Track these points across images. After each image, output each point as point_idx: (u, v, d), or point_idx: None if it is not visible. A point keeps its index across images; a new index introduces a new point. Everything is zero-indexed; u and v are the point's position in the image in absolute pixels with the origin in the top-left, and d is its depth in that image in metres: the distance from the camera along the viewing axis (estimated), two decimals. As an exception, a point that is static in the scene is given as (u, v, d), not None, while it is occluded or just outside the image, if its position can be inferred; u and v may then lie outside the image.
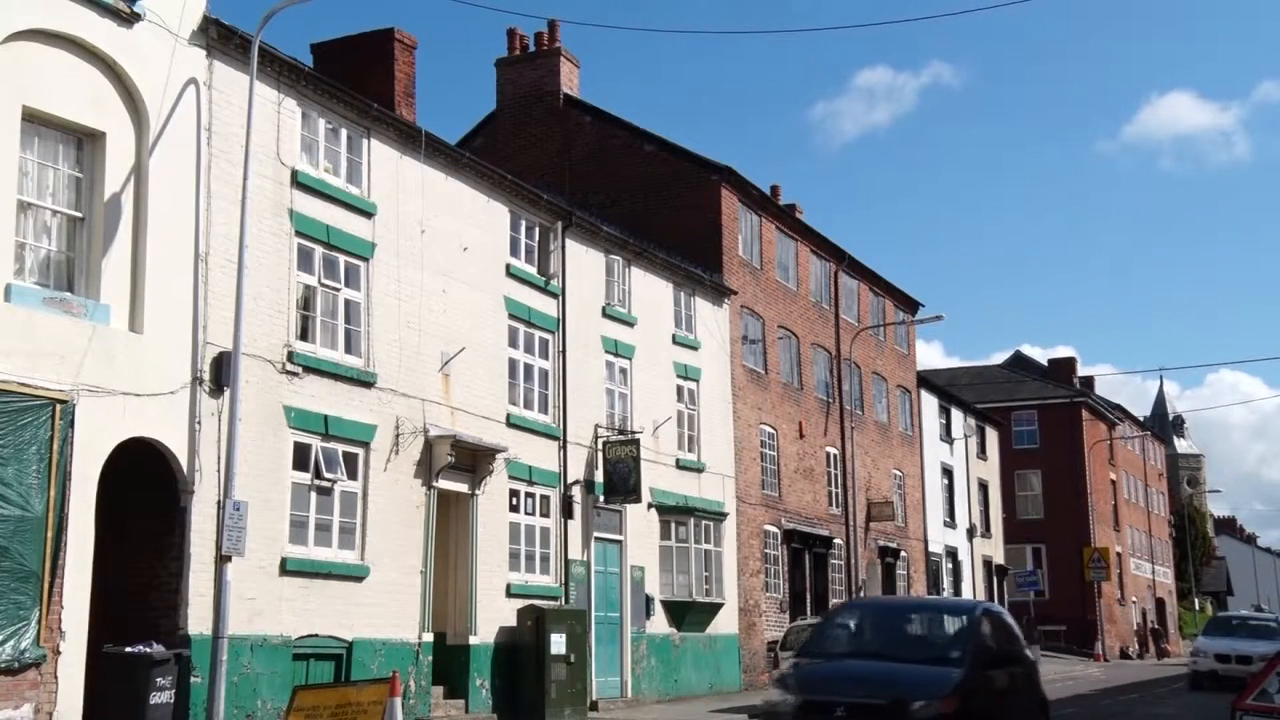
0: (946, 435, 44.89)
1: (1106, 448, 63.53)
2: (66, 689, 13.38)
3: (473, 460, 20.00)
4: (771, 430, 31.25)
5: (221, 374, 15.53)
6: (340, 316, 18.01)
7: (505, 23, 39.49)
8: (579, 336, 23.55)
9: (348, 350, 18.05)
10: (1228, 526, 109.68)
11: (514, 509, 21.31)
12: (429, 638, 18.84)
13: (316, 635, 16.81)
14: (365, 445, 17.94)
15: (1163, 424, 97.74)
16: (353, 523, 17.71)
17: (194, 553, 15.06)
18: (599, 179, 30.75)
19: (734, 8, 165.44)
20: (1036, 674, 14.24)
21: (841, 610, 14.51)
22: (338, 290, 17.97)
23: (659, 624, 25.39)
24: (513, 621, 20.56)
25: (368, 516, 17.85)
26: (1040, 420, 60.65)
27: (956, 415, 46.12)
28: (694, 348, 27.66)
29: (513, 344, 21.73)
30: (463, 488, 19.91)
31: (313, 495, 17.06)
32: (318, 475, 17.10)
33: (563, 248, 23.28)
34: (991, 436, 50.53)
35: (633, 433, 24.48)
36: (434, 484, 19.15)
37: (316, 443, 17.14)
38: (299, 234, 17.28)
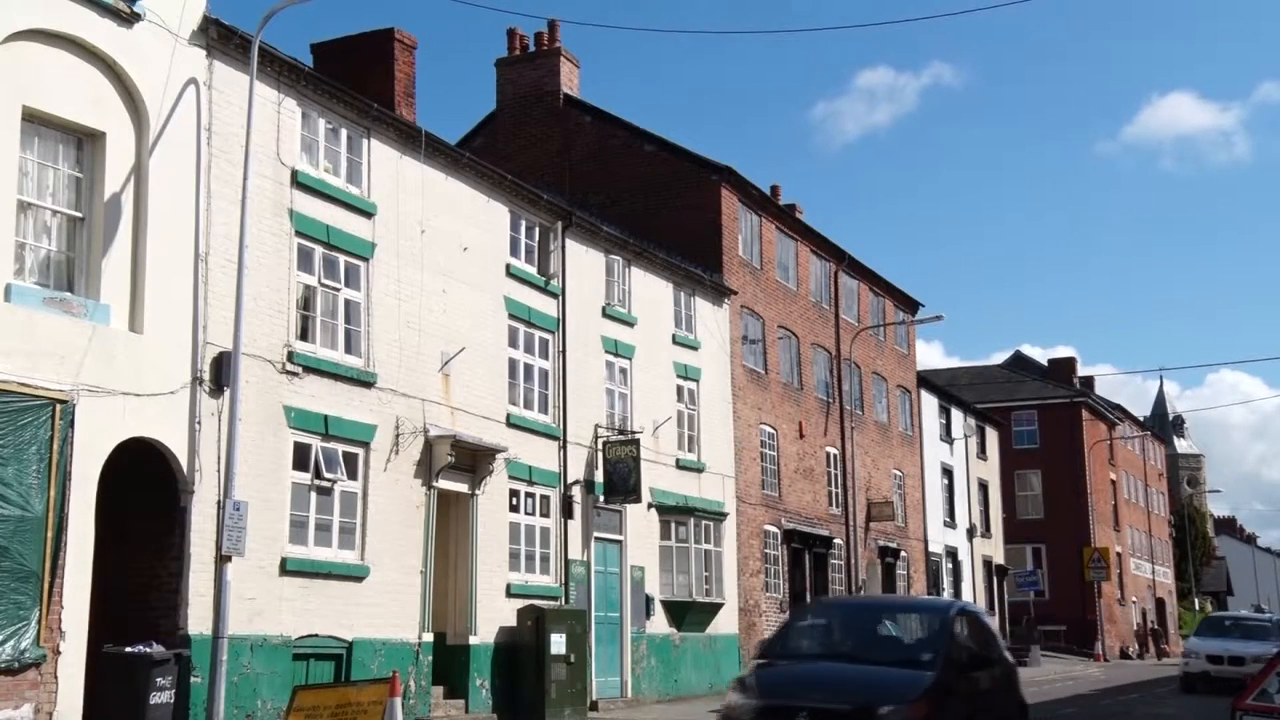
0: (946, 435, 44.89)
1: (1106, 448, 63.54)
2: (66, 689, 13.38)
3: (473, 460, 20.00)
4: (771, 430, 31.26)
5: (221, 374, 15.53)
6: (340, 316, 18.02)
7: (505, 23, 39.54)
8: (579, 336, 23.56)
9: (348, 350, 18.05)
10: (1228, 526, 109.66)
11: (514, 509, 21.31)
12: (429, 638, 18.84)
13: (316, 635, 16.81)
14: (365, 445, 17.94)
15: (1163, 424, 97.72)
16: (353, 523, 17.71)
17: (194, 553, 15.06)
18: (599, 179, 30.75)
19: (734, 8, 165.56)
20: (1015, 677, 13.62)
21: (809, 610, 13.91)
22: (338, 290, 17.97)
23: (659, 624, 25.39)
24: (513, 621, 20.56)
25: (368, 516, 17.85)
26: (1040, 420, 60.65)
27: (956, 415, 46.13)
28: (694, 348, 27.67)
29: (513, 344, 21.73)
30: (463, 488, 19.91)
31: (313, 495, 17.06)
32: (318, 475, 17.10)
33: (563, 248, 23.28)
34: (991, 436, 50.53)
35: (633, 433, 24.48)
36: (434, 484, 19.15)
37: (316, 443, 17.14)
38: (299, 234, 17.28)
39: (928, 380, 44.91)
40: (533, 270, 22.51)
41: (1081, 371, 67.81)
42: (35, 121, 13.93)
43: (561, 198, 25.21)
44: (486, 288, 21.10)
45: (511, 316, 21.68)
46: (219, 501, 15.21)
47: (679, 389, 27.07)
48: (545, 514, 22.24)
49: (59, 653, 13.33)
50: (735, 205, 30.69)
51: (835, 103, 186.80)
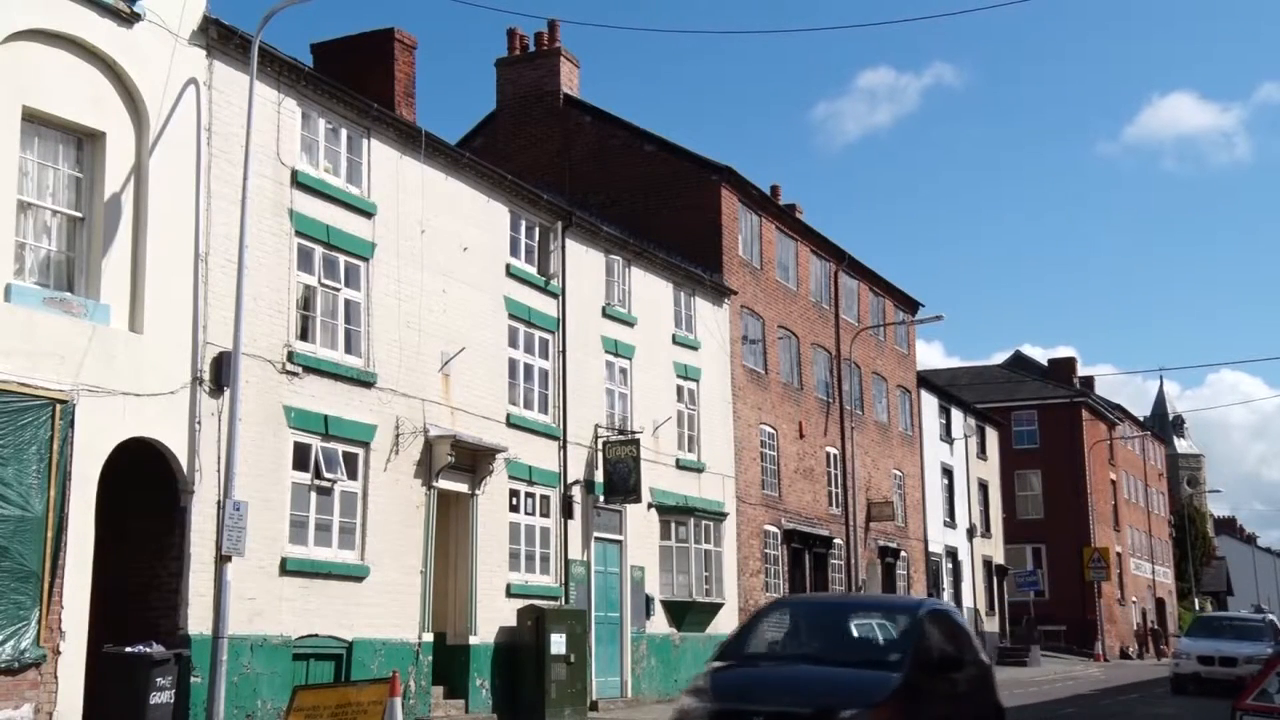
0: (946, 435, 44.90)
1: (1106, 448, 63.54)
2: (66, 689, 13.38)
3: (473, 460, 20.00)
4: (771, 430, 31.26)
5: (221, 374, 15.54)
6: (340, 316, 18.02)
7: (505, 23, 39.56)
8: (579, 336, 23.56)
9: (348, 350, 18.05)
10: (1228, 526, 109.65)
11: (514, 509, 21.32)
12: (429, 638, 18.84)
13: (316, 635, 16.81)
14: (365, 445, 17.94)
15: (1163, 424, 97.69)
16: (353, 523, 17.71)
17: (194, 553, 15.06)
18: (599, 179, 30.76)
19: (734, 8, 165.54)
20: (991, 679, 12.92)
21: (771, 609, 12.97)
22: (338, 290, 17.97)
23: (659, 624, 25.39)
24: (513, 621, 20.56)
25: (368, 516, 17.85)
26: (1040, 420, 60.65)
27: (956, 415, 46.14)
28: (694, 348, 27.67)
29: (513, 344, 21.73)
30: (463, 488, 19.91)
31: (313, 495, 17.06)
32: (318, 475, 17.10)
33: (563, 248, 23.29)
34: (991, 436, 50.54)
35: (633, 433, 24.49)
36: (434, 484, 19.15)
37: (316, 443, 17.14)
38: (299, 234, 17.28)
39: (928, 380, 44.92)
40: (533, 270, 22.52)
41: (1081, 371, 67.84)
42: (35, 121, 13.93)
43: (561, 198, 25.21)
44: (486, 288, 21.10)
45: (511, 316, 21.69)
46: (219, 501, 15.21)
47: (679, 389, 27.08)
48: (545, 514, 22.24)
49: (59, 653, 13.34)
50: (735, 205, 30.70)
51: (836, 103, 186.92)
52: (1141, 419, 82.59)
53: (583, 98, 32.12)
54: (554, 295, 22.93)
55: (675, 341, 27.05)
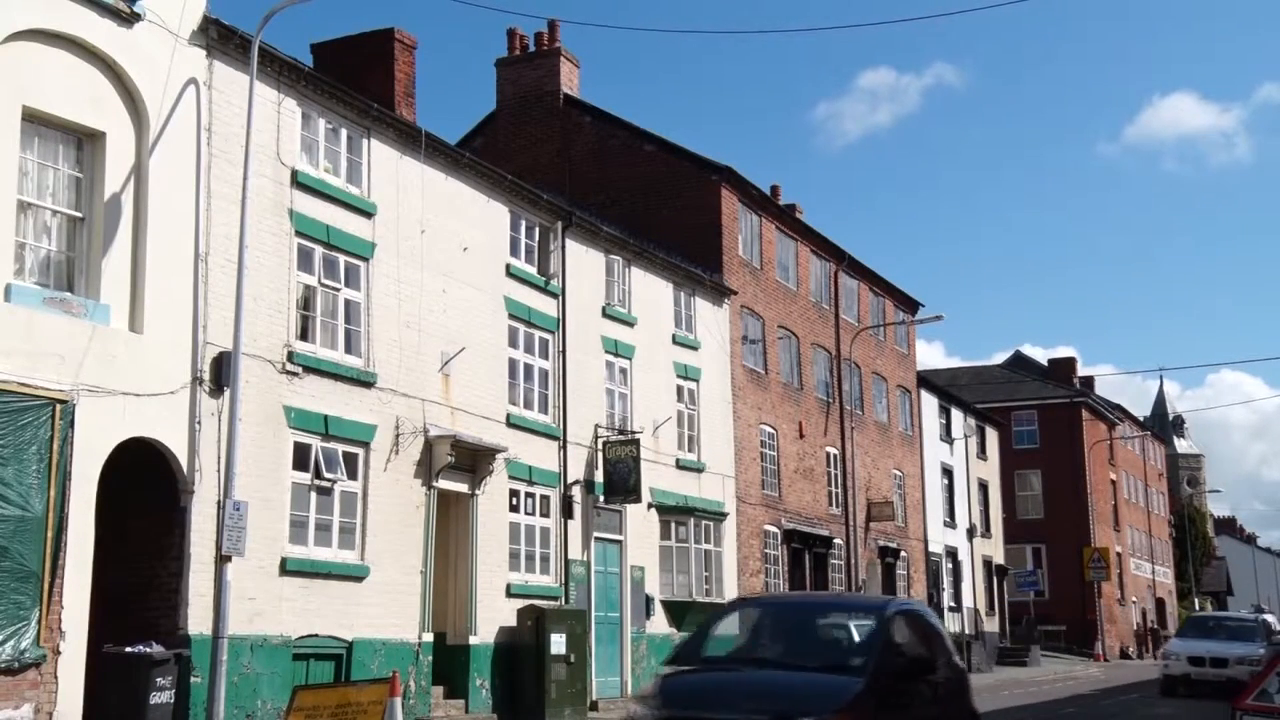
0: (946, 435, 44.89)
1: (1106, 448, 63.54)
2: (66, 689, 13.38)
3: (473, 460, 20.00)
4: (771, 430, 31.26)
5: (221, 374, 15.53)
6: (340, 316, 18.02)
7: (505, 23, 39.57)
8: (579, 336, 23.56)
9: (348, 350, 18.05)
10: (1228, 526, 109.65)
11: (514, 509, 21.32)
12: (429, 638, 18.84)
13: (316, 635, 16.81)
14: (365, 445, 17.94)
15: (1163, 424, 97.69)
16: (353, 523, 17.71)
17: (194, 553, 15.06)
18: (599, 179, 30.77)
19: (735, 8, 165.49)
20: (966, 683, 12.26)
21: (731, 609, 12.29)
22: (338, 290, 17.97)
23: (659, 624, 25.39)
24: (513, 621, 20.56)
25: (368, 516, 17.85)
26: (1040, 420, 60.65)
27: (956, 415, 46.13)
28: (694, 348, 27.67)
29: (513, 344, 21.73)
30: (463, 488, 19.91)
31: (313, 495, 17.06)
32: (318, 475, 17.10)
33: (563, 248, 23.29)
34: (991, 436, 50.54)
35: (633, 433, 24.49)
36: (434, 484, 19.15)
37: (316, 443, 17.14)
38: (299, 234, 17.28)
39: (928, 380, 44.92)
40: (533, 270, 22.52)
41: (1082, 371, 67.86)
42: (35, 121, 13.93)
43: (561, 198, 25.22)
44: (486, 288, 21.10)
45: (511, 316, 21.69)
46: (219, 501, 15.20)
47: (679, 389, 27.08)
48: (545, 514, 22.24)
49: (59, 653, 13.33)
50: (735, 205, 30.70)
51: (837, 103, 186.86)
52: (1141, 419, 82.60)
53: (583, 98, 32.13)
54: (554, 295, 22.93)
55: (675, 341, 27.05)
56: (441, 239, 20.04)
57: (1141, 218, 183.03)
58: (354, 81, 19.14)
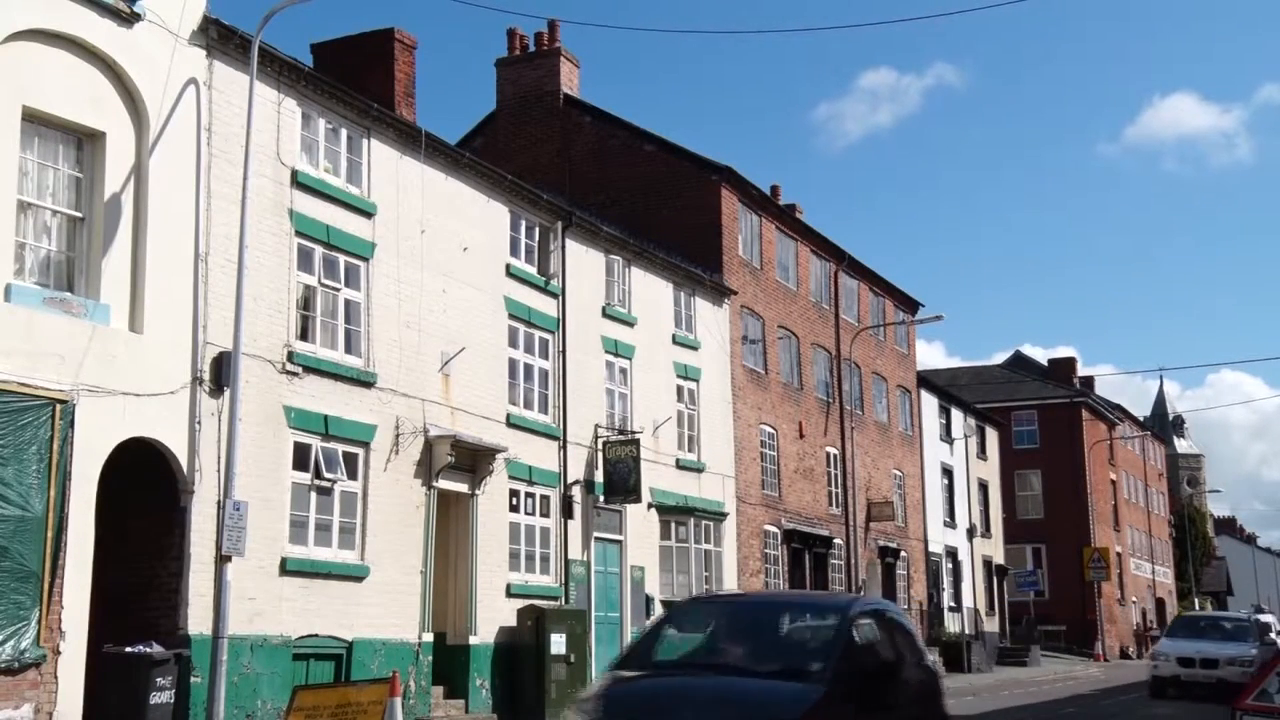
0: (946, 435, 44.90)
1: (1106, 448, 63.55)
2: (66, 689, 13.38)
3: (473, 460, 20.00)
4: (771, 430, 31.27)
5: (221, 374, 15.54)
6: (340, 316, 18.02)
7: (505, 23, 39.59)
8: (579, 336, 23.56)
9: (348, 350, 18.05)
10: (1228, 526, 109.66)
11: (514, 509, 21.32)
12: (429, 638, 18.85)
13: (316, 635, 16.81)
14: (365, 445, 17.95)
15: (1163, 424, 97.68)
16: (353, 523, 17.71)
17: (194, 553, 15.06)
18: (599, 179, 30.77)
19: (735, 8, 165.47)
20: (938, 688, 11.53)
21: (686, 608, 11.47)
22: (338, 290, 17.98)
23: (659, 624, 25.34)
24: (513, 621, 20.56)
25: (368, 516, 17.85)
26: (1040, 420, 60.64)
27: (956, 415, 46.14)
28: (694, 348, 27.67)
29: (513, 344, 21.74)
30: (463, 488, 19.91)
31: (313, 495, 17.06)
32: (318, 475, 17.11)
33: (563, 248, 23.29)
34: (991, 436, 50.55)
35: (633, 433, 24.49)
36: (434, 484, 19.15)
37: (316, 443, 17.14)
38: (299, 234, 17.28)
39: (928, 380, 44.93)
40: (533, 270, 22.52)
41: (1082, 371, 67.87)
42: (35, 121, 13.93)
43: (561, 198, 25.22)
44: (486, 288, 21.11)
45: (511, 316, 21.69)
46: (219, 501, 15.20)
47: (679, 389, 27.08)
48: (545, 514, 22.24)
49: (59, 653, 13.33)
50: (735, 205, 30.71)
51: (838, 103, 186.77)
52: (1141, 419, 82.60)
53: (583, 98, 32.14)
54: (554, 295, 22.93)
55: (675, 341, 27.06)
56: (441, 239, 20.05)
57: (1141, 218, 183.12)
58: (354, 81, 19.15)
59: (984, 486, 48.64)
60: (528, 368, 22.18)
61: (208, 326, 15.60)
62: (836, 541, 34.25)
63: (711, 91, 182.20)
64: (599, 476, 23.64)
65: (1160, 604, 72.63)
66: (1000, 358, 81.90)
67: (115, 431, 14.27)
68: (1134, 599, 66.77)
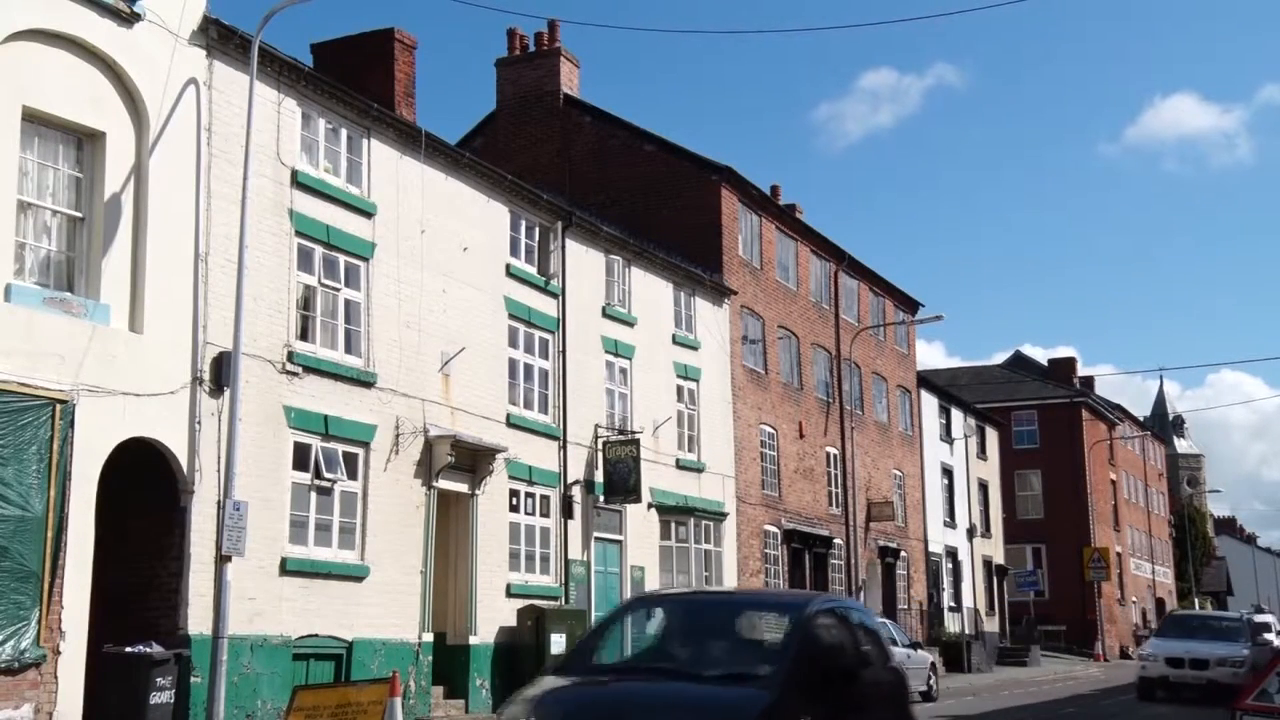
0: (946, 435, 44.90)
1: (1106, 448, 63.55)
2: (66, 689, 13.38)
3: (473, 460, 20.00)
4: (771, 430, 31.27)
5: (221, 374, 15.54)
6: (340, 316, 18.02)
7: (505, 23, 39.60)
8: (579, 336, 23.56)
9: (348, 350, 18.06)
10: (1228, 526, 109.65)
11: (514, 509, 21.32)
12: (429, 638, 18.85)
13: (316, 635, 16.81)
14: (365, 445, 17.95)
15: (1163, 424, 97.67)
16: (353, 523, 17.71)
17: (194, 553, 15.06)
18: (599, 179, 30.78)
19: (735, 8, 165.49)
20: (904, 690, 10.85)
21: (632, 607, 10.95)
22: (338, 290, 17.98)
23: (659, 624, 25.34)
24: (513, 621, 20.56)
25: (368, 516, 17.86)
26: (1040, 420, 60.63)
27: (956, 415, 46.14)
28: (694, 348, 27.67)
29: (513, 344, 21.74)
30: (463, 488, 19.91)
31: (313, 495, 17.07)
32: (318, 475, 17.11)
33: (563, 248, 23.29)
34: (991, 436, 50.55)
35: (633, 433, 24.49)
36: (434, 484, 19.15)
37: (316, 443, 17.14)
38: (299, 234, 17.28)
39: (928, 380, 44.93)
40: (533, 270, 22.52)
41: (1082, 371, 67.85)
42: (35, 121, 13.93)
43: (561, 198, 25.22)
44: (486, 288, 21.11)
45: (511, 316, 21.69)
46: (219, 501, 15.21)
47: (679, 389, 27.08)
48: (545, 514, 22.24)
49: (59, 653, 13.33)
50: (735, 205, 30.71)
51: (838, 104, 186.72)
52: (1141, 419, 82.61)
53: (583, 98, 32.15)
54: (554, 295, 22.93)
55: (675, 341, 27.06)
56: (441, 239, 20.05)
57: (1141, 218, 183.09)
58: (354, 81, 19.15)
59: (984, 486, 48.65)
60: (528, 368, 22.18)
61: (208, 326, 15.60)
62: (836, 541, 34.25)
63: (711, 91, 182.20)
64: (599, 476, 23.64)
65: (1160, 604, 72.61)
66: (1000, 358, 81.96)
67: (115, 431, 14.27)
68: (1134, 599, 66.77)
